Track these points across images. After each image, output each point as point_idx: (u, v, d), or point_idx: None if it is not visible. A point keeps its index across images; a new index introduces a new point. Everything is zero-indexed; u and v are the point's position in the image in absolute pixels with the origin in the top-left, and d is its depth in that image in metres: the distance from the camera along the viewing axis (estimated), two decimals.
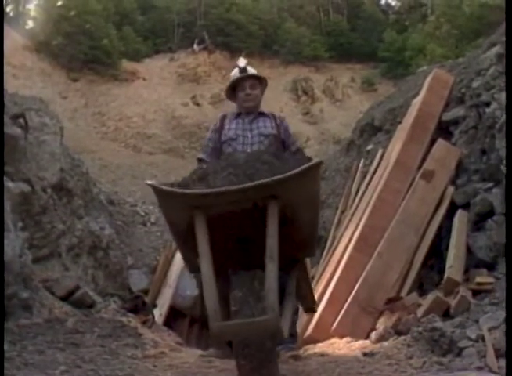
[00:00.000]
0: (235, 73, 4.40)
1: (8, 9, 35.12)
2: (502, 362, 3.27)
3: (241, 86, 4.36)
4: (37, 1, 36.09)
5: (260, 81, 4.45)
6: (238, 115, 4.40)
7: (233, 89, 4.44)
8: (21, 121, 5.70)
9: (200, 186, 2.78)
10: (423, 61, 24.04)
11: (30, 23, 35.14)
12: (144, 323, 5.48)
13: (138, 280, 7.68)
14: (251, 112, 4.38)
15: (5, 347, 3.63)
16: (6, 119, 5.28)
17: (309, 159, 3.81)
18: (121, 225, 8.15)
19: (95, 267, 6.56)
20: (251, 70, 4.41)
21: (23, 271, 4.46)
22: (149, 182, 2.84)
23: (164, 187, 2.76)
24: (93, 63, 29.59)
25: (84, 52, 29.29)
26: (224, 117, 4.45)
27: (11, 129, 5.38)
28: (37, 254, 5.42)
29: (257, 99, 4.40)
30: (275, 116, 4.46)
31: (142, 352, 4.06)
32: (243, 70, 4.35)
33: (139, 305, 6.19)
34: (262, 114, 4.42)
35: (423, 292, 5.31)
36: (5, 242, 4.10)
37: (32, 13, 36.59)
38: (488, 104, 5.87)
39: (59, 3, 30.81)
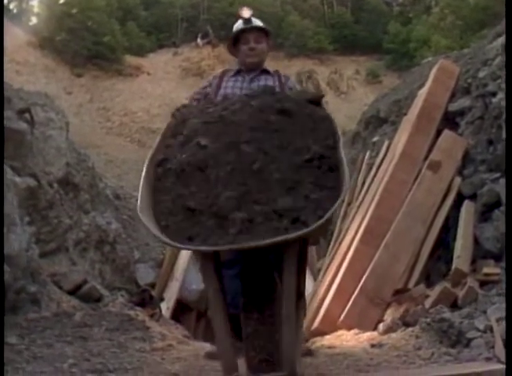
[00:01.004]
0: (238, 24, 3.87)
1: (11, 5, 35.22)
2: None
3: (244, 39, 3.82)
4: None
5: (266, 34, 3.88)
6: (238, 72, 3.91)
7: (236, 43, 3.92)
8: (27, 115, 5.70)
9: (197, 180, 2.54)
10: (428, 52, 23.96)
11: (34, 20, 35.21)
12: (151, 316, 5.49)
13: (145, 274, 7.68)
14: (254, 69, 3.87)
15: (14, 340, 3.65)
16: (12, 114, 5.28)
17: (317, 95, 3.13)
18: (128, 219, 8.15)
19: (102, 261, 6.57)
20: (257, 22, 3.86)
21: (31, 265, 4.48)
22: (145, 221, 2.46)
23: (165, 239, 2.42)
24: (97, 59, 29.62)
25: (87, 48, 29.31)
26: (223, 75, 3.94)
27: (17, 124, 5.38)
28: (45, 248, 5.42)
29: (263, 54, 3.88)
30: (280, 74, 3.92)
31: (150, 345, 4.07)
32: (247, 21, 3.81)
33: (146, 299, 6.20)
34: (265, 72, 3.91)
35: (430, 283, 5.30)
36: (12, 236, 4.11)
37: (35, 10, 36.68)
38: (494, 94, 5.84)
39: (62, 0, 30.86)
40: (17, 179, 5.02)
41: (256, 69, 3.88)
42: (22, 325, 3.99)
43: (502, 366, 2.89)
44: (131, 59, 30.90)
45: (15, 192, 4.64)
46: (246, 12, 3.81)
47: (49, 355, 3.50)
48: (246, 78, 3.86)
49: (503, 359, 3.16)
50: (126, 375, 3.28)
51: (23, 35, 28.44)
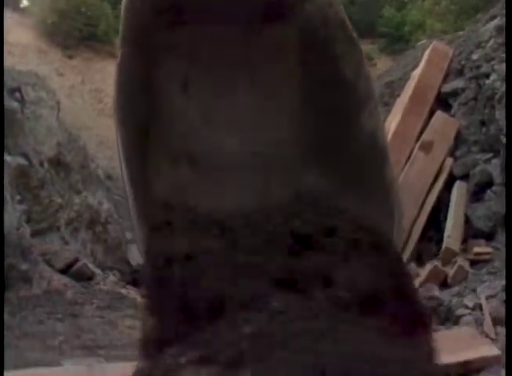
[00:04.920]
0: None
1: None
2: (499, 329, 3.29)
3: None
4: None
5: None
6: None
7: None
8: (17, 94, 5.65)
9: None
10: (423, 36, 23.85)
11: (25, 2, 34.89)
12: (143, 296, 5.48)
13: (136, 255, 7.64)
14: None
15: (5, 318, 3.64)
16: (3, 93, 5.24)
17: None
18: (119, 199, 8.11)
19: (93, 241, 6.54)
20: None
21: (22, 243, 4.46)
22: None
23: None
24: (89, 41, 29.41)
25: (79, 29, 29.09)
26: None
27: (8, 103, 5.34)
28: (36, 227, 5.40)
29: None
30: None
31: None
32: None
33: (138, 279, 6.19)
34: None
35: (421, 263, 5.32)
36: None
37: None
38: (487, 75, 5.83)
39: None
40: (8, 158, 4.99)
41: None
42: (13, 302, 3.98)
43: (496, 353, 2.83)
44: None
45: (5, 170, 4.61)
46: None
47: (40, 332, 3.51)
48: None
49: (492, 335, 3.18)
50: (116, 352, 3.28)
51: (15, 17, 28.18)
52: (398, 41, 32.91)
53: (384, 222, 1.91)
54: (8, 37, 23.92)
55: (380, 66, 27.37)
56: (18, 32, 27.34)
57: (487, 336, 3.17)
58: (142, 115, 1.83)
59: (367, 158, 2.00)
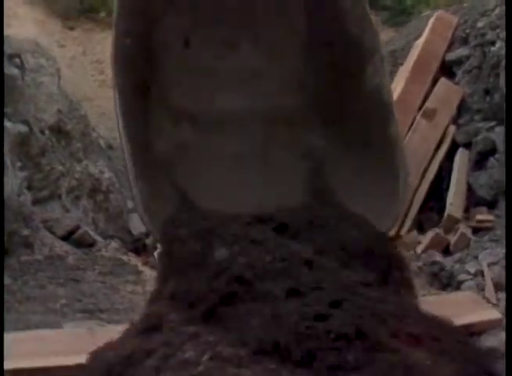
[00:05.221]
0: None
1: None
2: (501, 295, 3.30)
3: None
4: None
5: None
6: None
7: None
8: (17, 60, 5.60)
9: None
10: (426, 9, 23.59)
11: None
12: (145, 264, 5.49)
13: (138, 224, 7.60)
14: None
15: (7, 282, 3.65)
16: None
17: None
18: (121, 169, 8.06)
19: (95, 210, 6.51)
20: None
21: (23, 210, 4.46)
22: None
23: None
24: (89, 12, 29.14)
25: (79, 1, 28.81)
26: None
27: (8, 69, 5.29)
28: (37, 195, 5.38)
29: None
30: None
31: (143, 288, 4.08)
32: None
33: (140, 248, 6.20)
34: None
35: (422, 232, 5.31)
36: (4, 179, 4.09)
37: None
38: (493, 43, 5.79)
39: None
40: (8, 125, 4.96)
41: None
42: (14, 267, 3.99)
43: (497, 316, 2.83)
44: None
45: (6, 138, 4.59)
46: None
47: (42, 296, 3.52)
48: None
49: (493, 300, 3.18)
50: (118, 316, 3.29)
51: None
52: (401, 14, 32.68)
53: (387, 181, 1.87)
54: (8, 10, 23.70)
55: (383, 38, 27.16)
56: (18, 5, 27.11)
57: (488, 301, 3.18)
58: (140, 70, 1.76)
59: (372, 114, 1.92)
